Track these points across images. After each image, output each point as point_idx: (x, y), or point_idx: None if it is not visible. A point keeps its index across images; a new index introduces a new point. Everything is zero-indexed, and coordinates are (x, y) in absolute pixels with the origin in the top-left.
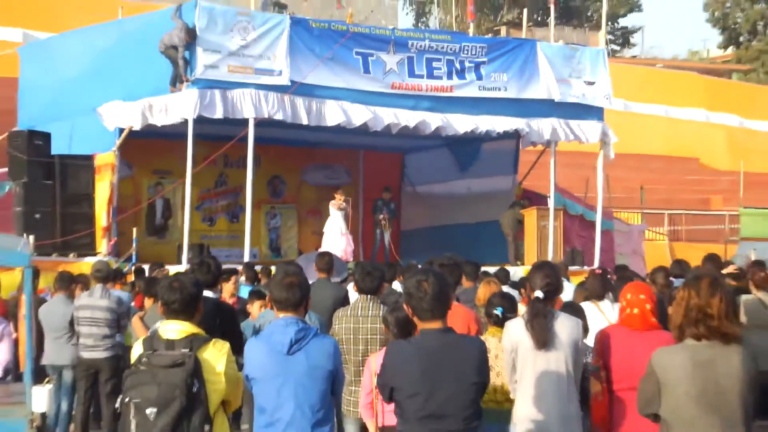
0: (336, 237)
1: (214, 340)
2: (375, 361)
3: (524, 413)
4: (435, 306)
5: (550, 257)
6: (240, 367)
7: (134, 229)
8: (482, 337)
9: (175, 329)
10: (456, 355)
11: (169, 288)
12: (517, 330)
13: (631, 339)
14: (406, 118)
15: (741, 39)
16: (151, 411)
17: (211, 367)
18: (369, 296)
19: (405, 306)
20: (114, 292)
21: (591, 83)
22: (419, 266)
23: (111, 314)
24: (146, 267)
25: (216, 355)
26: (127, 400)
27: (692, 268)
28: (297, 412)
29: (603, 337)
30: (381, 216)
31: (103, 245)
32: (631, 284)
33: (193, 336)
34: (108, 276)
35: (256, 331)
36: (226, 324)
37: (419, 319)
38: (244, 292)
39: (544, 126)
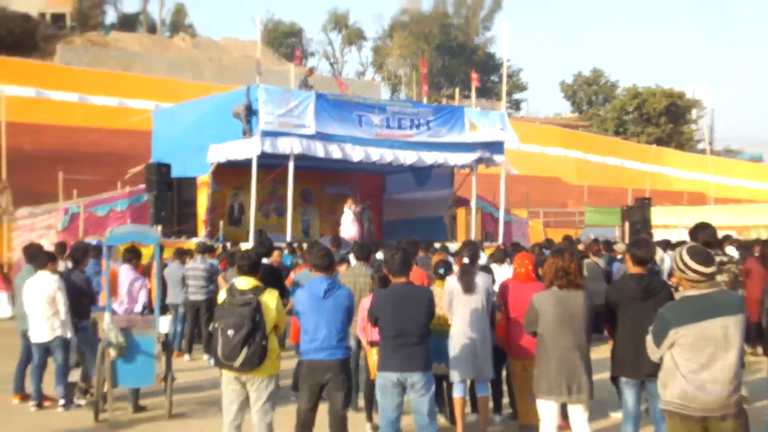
0: (348, 226)
1: (269, 288)
2: (365, 302)
3: (457, 331)
4: (402, 268)
5: (472, 237)
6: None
7: (221, 222)
8: (432, 288)
9: (245, 282)
10: (415, 297)
11: (241, 257)
12: (452, 282)
13: (520, 287)
14: (386, 155)
15: (583, 107)
16: (231, 332)
17: (267, 306)
18: (362, 262)
19: (384, 269)
20: (208, 260)
21: (498, 131)
22: (393, 244)
23: (206, 273)
24: (228, 244)
25: (270, 298)
26: (216, 325)
27: (556, 244)
28: (328, 332)
29: (503, 286)
30: (367, 215)
31: (202, 232)
32: (520, 254)
33: (256, 287)
34: (205, 249)
35: (296, 284)
36: (276, 280)
37: (392, 276)
38: (287, 260)
39: (468, 158)
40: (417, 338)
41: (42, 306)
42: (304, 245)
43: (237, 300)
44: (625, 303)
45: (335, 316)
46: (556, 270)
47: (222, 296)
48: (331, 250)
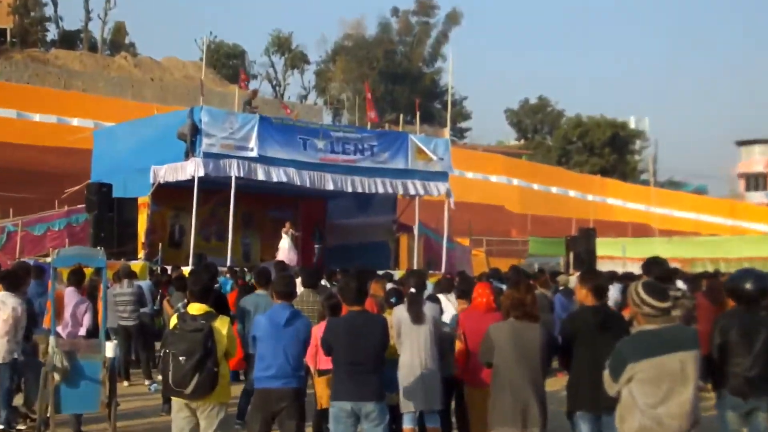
0: (285, 251)
1: (221, 315)
2: (316, 330)
3: (406, 361)
4: (357, 296)
5: (415, 265)
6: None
7: (160, 244)
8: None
9: (197, 308)
10: (369, 326)
11: (193, 282)
12: (400, 312)
13: (481, 317)
14: (329, 180)
15: (528, 135)
16: (182, 358)
17: (219, 332)
18: (310, 290)
19: (339, 295)
20: (135, 283)
21: (441, 159)
22: (346, 272)
23: (134, 297)
24: (169, 268)
25: (222, 324)
26: (167, 351)
27: (505, 274)
28: (285, 360)
29: (465, 316)
30: (318, 242)
31: (142, 253)
32: (481, 284)
33: (208, 313)
34: (129, 273)
35: (241, 310)
36: (220, 305)
37: (347, 304)
38: (226, 285)
39: (411, 185)
40: (371, 367)
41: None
42: (246, 269)
43: (189, 325)
44: (581, 335)
45: (293, 344)
46: (513, 301)
47: (173, 321)
48: (292, 276)
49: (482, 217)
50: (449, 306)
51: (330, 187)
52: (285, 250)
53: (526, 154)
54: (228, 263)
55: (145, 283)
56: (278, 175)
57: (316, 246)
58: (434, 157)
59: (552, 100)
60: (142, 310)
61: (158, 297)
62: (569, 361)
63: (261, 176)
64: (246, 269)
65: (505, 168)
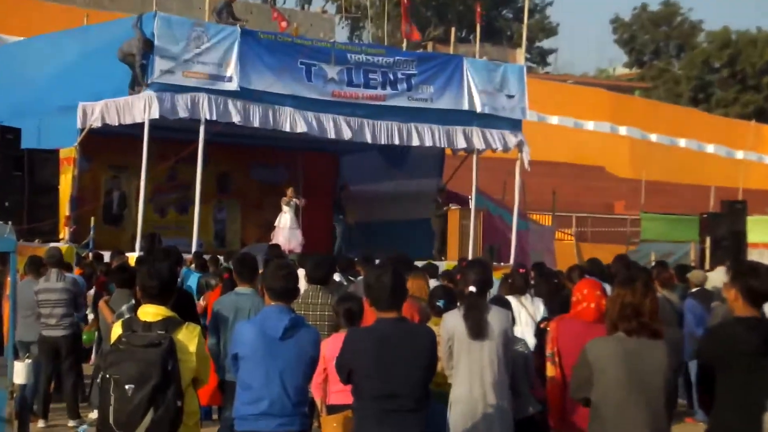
0: (284, 233)
1: (187, 323)
2: (325, 347)
3: (460, 395)
4: (392, 298)
5: (470, 254)
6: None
7: (92, 219)
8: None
9: (152, 312)
10: (409, 342)
11: (148, 274)
12: (453, 321)
13: (587, 329)
14: (345, 126)
15: (645, 59)
16: (129, 387)
17: (184, 347)
18: (319, 286)
19: (364, 297)
20: (68, 276)
21: (510, 96)
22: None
23: (67, 294)
24: (105, 254)
25: (189, 336)
26: (107, 376)
27: (609, 268)
28: (283, 391)
29: (559, 327)
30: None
31: (65, 232)
32: (588, 281)
33: (169, 319)
34: (60, 261)
35: (215, 317)
36: (185, 308)
37: (377, 309)
38: (194, 279)
39: (466, 134)
40: (412, 402)
41: None
42: (221, 258)
43: (139, 339)
44: (730, 361)
45: (294, 368)
46: (622, 307)
47: (116, 332)
48: (292, 266)
49: (572, 183)
50: (523, 313)
51: (346, 136)
52: (285, 229)
53: (640, 89)
54: (193, 247)
55: (80, 279)
56: (268, 117)
57: (337, 224)
58: (501, 94)
59: (683, 6)
60: (75, 316)
61: (90, 297)
62: (710, 400)
63: (243, 119)
64: (221, 257)
65: (609, 109)
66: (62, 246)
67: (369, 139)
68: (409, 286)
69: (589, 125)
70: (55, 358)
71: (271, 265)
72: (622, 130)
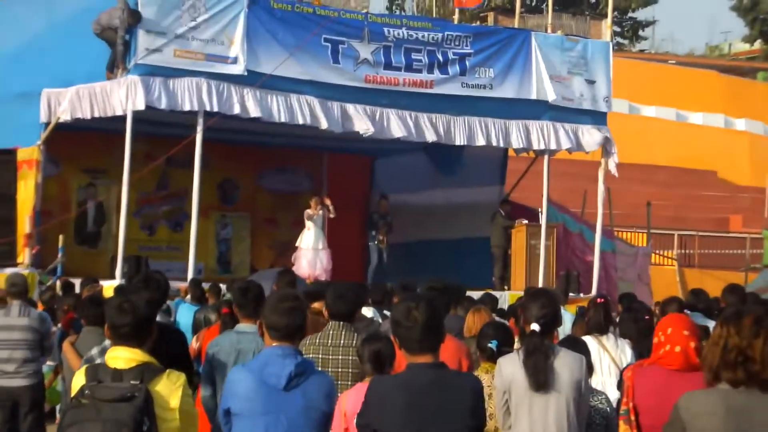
0: (308, 253)
1: (168, 370)
2: (346, 400)
3: None
4: (426, 337)
5: (541, 282)
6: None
7: (61, 237)
8: (477, 375)
9: (124, 357)
10: (448, 394)
11: (118, 309)
12: (510, 368)
13: (670, 380)
14: (381, 122)
15: None
16: None
17: (164, 402)
18: (341, 323)
19: (392, 337)
20: (33, 311)
21: (592, 82)
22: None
23: (33, 334)
24: (76, 282)
25: (170, 388)
26: None
27: (711, 300)
28: None
29: (635, 376)
30: (378, 234)
31: (25, 254)
32: (673, 316)
33: (145, 365)
34: (26, 291)
35: (210, 361)
36: (172, 351)
37: (407, 352)
38: (188, 314)
39: (536, 131)
40: None
41: None
42: (223, 286)
43: (107, 391)
44: None
45: (302, 426)
46: (727, 351)
47: (78, 382)
48: (299, 298)
49: (673, 192)
50: (605, 358)
51: (382, 134)
52: (309, 251)
53: (765, 71)
54: (190, 273)
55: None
56: (284, 108)
57: (374, 244)
58: (581, 78)
59: None
60: (40, 361)
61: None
62: None
63: (252, 111)
64: (224, 285)
65: (723, 98)
66: (21, 272)
67: (414, 137)
68: (469, 324)
69: (697, 118)
70: (13, 414)
71: (272, 296)
72: (740, 125)
